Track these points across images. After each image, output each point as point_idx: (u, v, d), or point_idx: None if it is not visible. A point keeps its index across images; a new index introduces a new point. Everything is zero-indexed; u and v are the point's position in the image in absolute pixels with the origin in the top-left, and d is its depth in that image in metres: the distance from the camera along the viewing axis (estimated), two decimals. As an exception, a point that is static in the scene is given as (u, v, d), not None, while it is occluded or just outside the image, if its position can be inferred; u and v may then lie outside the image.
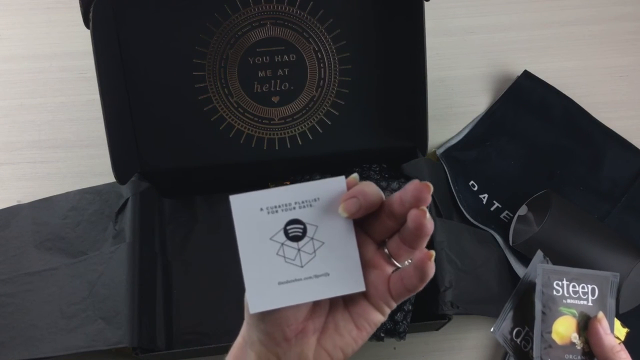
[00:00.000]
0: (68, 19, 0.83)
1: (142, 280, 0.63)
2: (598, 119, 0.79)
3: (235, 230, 0.41)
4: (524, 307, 0.52)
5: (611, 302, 0.52)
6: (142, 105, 0.67)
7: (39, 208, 0.70)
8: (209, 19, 0.66)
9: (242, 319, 0.72)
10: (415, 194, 0.38)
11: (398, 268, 0.41)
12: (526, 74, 0.81)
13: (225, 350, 0.69)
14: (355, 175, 0.41)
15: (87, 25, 0.60)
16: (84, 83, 0.80)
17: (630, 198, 0.75)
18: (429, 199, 0.38)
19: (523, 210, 0.71)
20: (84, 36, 0.60)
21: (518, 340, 0.52)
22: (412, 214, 0.38)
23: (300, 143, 0.70)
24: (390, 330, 0.62)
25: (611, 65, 0.84)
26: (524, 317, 0.52)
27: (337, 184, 0.40)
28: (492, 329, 0.52)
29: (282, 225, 0.40)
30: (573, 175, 0.76)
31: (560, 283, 0.52)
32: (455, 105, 0.81)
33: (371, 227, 0.41)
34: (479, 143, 0.78)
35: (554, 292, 0.52)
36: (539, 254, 0.55)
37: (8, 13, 0.84)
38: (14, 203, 0.72)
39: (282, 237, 0.40)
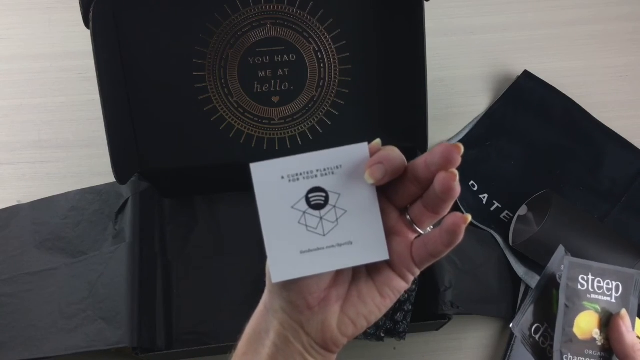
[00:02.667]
0: (68, 19, 0.83)
1: (142, 280, 0.63)
2: (598, 119, 0.79)
3: (256, 199, 0.40)
4: (544, 302, 0.51)
5: (634, 301, 0.51)
6: (142, 105, 0.67)
7: (39, 208, 0.70)
8: (209, 19, 0.66)
9: (242, 319, 0.72)
10: (445, 155, 0.37)
11: (420, 235, 0.40)
12: (526, 74, 0.81)
13: (225, 350, 0.69)
14: (378, 141, 0.40)
15: (87, 25, 0.60)
16: (84, 83, 0.80)
17: (631, 198, 0.75)
18: (459, 161, 0.37)
19: (523, 210, 0.71)
20: (84, 36, 0.60)
21: (537, 337, 0.51)
22: (441, 177, 0.36)
23: (300, 143, 0.70)
24: (390, 330, 0.62)
25: (611, 65, 0.84)
26: (544, 313, 0.50)
27: (359, 150, 0.40)
28: (511, 325, 0.51)
29: (304, 194, 0.39)
30: (573, 175, 0.76)
31: (585, 277, 0.50)
32: (455, 105, 0.81)
33: (393, 194, 0.40)
34: (479, 143, 0.78)
35: (579, 286, 0.50)
36: (561, 248, 0.53)
37: (8, 13, 0.84)
38: (14, 203, 0.72)
39: (303, 205, 0.40)
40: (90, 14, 0.59)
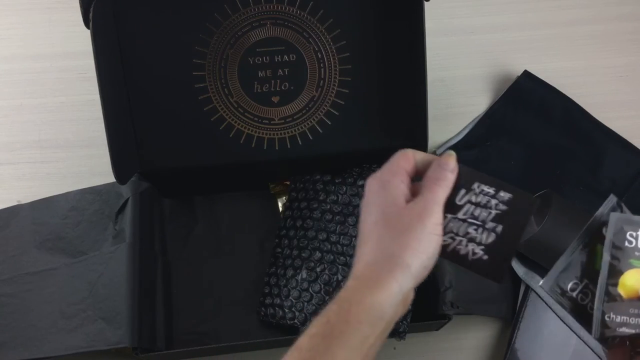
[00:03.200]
0: (68, 19, 0.83)
1: (142, 280, 0.63)
2: (598, 119, 0.79)
3: None
4: (588, 256, 0.48)
5: None
6: (142, 105, 0.67)
7: (39, 208, 0.70)
8: (209, 19, 0.66)
9: (242, 319, 0.72)
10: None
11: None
12: (526, 74, 0.81)
13: (226, 350, 0.69)
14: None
15: (87, 25, 0.60)
16: (84, 83, 0.80)
17: (631, 198, 0.75)
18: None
19: None
20: (84, 36, 0.60)
21: (574, 294, 0.48)
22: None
23: (300, 143, 0.70)
24: (390, 330, 0.62)
25: (611, 65, 0.84)
26: (586, 268, 0.47)
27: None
28: (540, 283, 0.49)
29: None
30: (573, 175, 0.76)
31: (634, 234, 0.48)
32: (455, 105, 0.81)
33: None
34: (479, 143, 0.78)
35: (626, 244, 0.48)
36: (612, 198, 0.50)
37: (8, 13, 0.84)
38: (14, 203, 0.72)
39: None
40: (90, 14, 0.59)
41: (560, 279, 0.47)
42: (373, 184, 0.47)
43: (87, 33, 0.60)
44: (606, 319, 0.44)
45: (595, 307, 0.45)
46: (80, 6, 0.59)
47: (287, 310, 0.65)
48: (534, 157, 0.77)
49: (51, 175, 0.76)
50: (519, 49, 0.85)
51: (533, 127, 0.79)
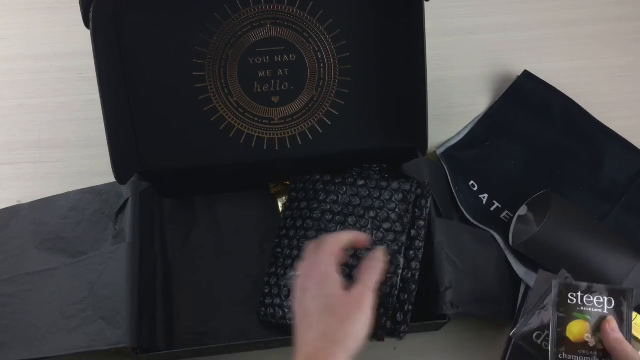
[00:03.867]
0: (68, 19, 0.83)
1: (142, 280, 0.63)
2: (598, 119, 0.79)
3: None
4: (542, 312, 0.61)
5: (628, 313, 0.60)
6: (142, 105, 0.67)
7: (39, 208, 0.70)
8: (209, 19, 0.66)
9: (242, 319, 0.72)
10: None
11: None
12: (526, 74, 0.81)
13: (226, 350, 0.69)
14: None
15: (87, 25, 0.60)
16: (84, 83, 0.80)
17: (631, 198, 0.75)
18: None
19: (523, 210, 0.71)
20: (84, 36, 0.60)
21: (539, 342, 0.61)
22: None
23: (300, 143, 0.70)
24: (390, 330, 0.62)
25: (611, 65, 0.84)
26: (542, 323, 0.61)
27: None
28: (511, 333, 0.61)
29: None
30: (573, 175, 0.76)
31: (574, 294, 0.60)
32: (455, 105, 0.81)
33: None
34: (479, 143, 0.78)
35: (568, 302, 0.60)
36: (563, 272, 0.62)
37: (8, 13, 0.84)
38: (14, 203, 0.72)
39: None
40: (90, 14, 0.59)
41: (527, 332, 0.61)
42: (313, 275, 0.54)
43: (87, 33, 0.60)
44: (559, 357, 0.59)
45: (550, 350, 0.59)
46: (80, 6, 0.59)
47: (287, 310, 0.65)
48: (534, 157, 0.77)
49: (51, 175, 0.76)
50: (519, 49, 0.85)
51: (533, 127, 0.79)
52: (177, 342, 0.67)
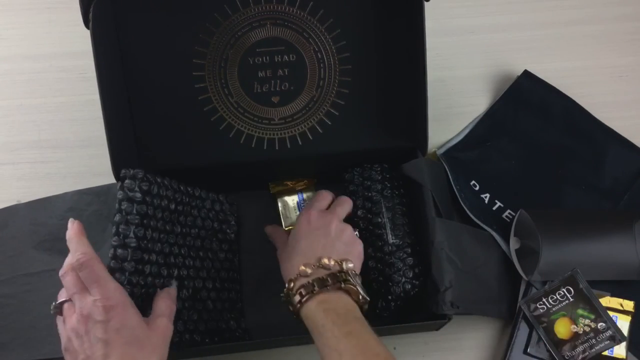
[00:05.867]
0: (68, 19, 0.83)
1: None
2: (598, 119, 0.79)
3: None
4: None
5: (587, 287, 0.66)
6: (142, 105, 0.67)
7: (36, 208, 0.70)
8: (209, 19, 0.65)
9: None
10: None
11: None
12: (526, 74, 0.81)
13: (226, 350, 0.69)
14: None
15: (87, 25, 0.60)
16: (84, 83, 0.80)
17: (632, 196, 0.75)
18: None
19: (515, 243, 0.70)
20: (84, 36, 0.60)
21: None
22: None
23: (300, 143, 0.70)
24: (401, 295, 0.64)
25: (611, 65, 0.84)
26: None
27: None
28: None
29: None
30: (574, 174, 0.76)
31: (540, 303, 0.67)
32: (455, 105, 0.81)
33: None
34: (480, 143, 0.78)
35: (541, 311, 0.67)
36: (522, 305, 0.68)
37: (8, 13, 0.84)
38: (14, 203, 0.72)
39: None
40: (90, 14, 0.59)
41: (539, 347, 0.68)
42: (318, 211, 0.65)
43: (87, 33, 0.60)
44: (564, 355, 0.65)
45: (554, 355, 0.66)
46: (80, 6, 0.59)
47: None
48: (535, 157, 0.77)
49: (51, 176, 0.76)
50: (519, 49, 0.85)
51: (533, 127, 0.79)
52: (177, 341, 0.67)
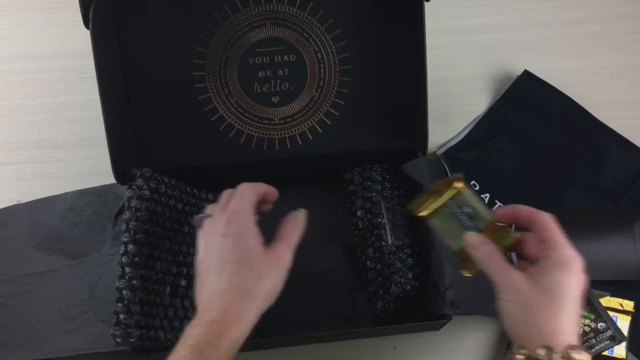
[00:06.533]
0: (68, 19, 0.83)
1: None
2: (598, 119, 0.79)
3: None
4: None
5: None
6: (142, 105, 0.67)
7: (36, 208, 0.70)
8: (209, 19, 0.66)
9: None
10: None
11: None
12: (526, 74, 0.81)
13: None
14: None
15: (87, 26, 0.60)
16: (84, 83, 0.80)
17: (632, 196, 0.75)
18: None
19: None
20: (84, 36, 0.60)
21: None
22: None
23: (300, 143, 0.70)
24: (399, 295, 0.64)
25: (611, 65, 0.84)
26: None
27: None
28: None
29: None
30: (574, 174, 0.76)
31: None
32: (455, 105, 0.81)
33: None
34: (480, 143, 0.78)
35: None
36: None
37: (8, 13, 0.84)
38: (14, 203, 0.72)
39: None
40: (90, 14, 0.59)
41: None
42: (231, 223, 0.51)
43: (87, 33, 0.60)
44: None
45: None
46: (80, 6, 0.59)
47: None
48: (535, 157, 0.77)
49: (51, 176, 0.76)
50: (519, 49, 0.85)
51: (533, 127, 0.79)
52: (177, 341, 0.67)
